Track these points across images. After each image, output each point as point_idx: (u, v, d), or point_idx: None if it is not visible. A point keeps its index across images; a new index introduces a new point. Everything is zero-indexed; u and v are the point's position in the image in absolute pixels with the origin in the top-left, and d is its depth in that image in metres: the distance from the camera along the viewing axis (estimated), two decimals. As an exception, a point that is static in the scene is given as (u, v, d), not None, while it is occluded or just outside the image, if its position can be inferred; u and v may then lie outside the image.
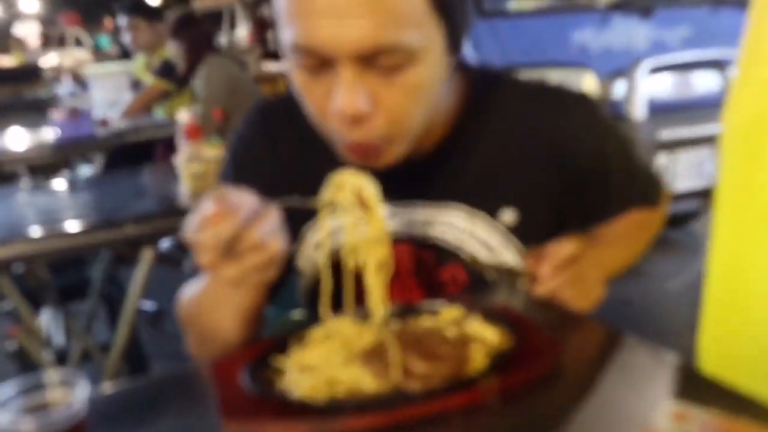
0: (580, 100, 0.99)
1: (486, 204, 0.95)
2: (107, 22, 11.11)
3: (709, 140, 2.90)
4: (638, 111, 2.88)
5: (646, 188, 1.08)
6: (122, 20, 3.92)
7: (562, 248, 0.87)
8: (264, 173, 0.98)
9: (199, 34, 3.57)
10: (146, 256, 1.72)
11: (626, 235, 1.06)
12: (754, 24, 1.48)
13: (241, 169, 1.00)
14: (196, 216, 0.71)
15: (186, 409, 0.75)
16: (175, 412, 0.74)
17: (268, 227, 0.70)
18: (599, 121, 1.00)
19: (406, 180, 0.93)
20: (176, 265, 3.80)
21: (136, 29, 3.88)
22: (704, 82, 3.08)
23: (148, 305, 3.23)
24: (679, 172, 3.00)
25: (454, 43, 0.82)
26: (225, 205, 0.68)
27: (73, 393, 0.62)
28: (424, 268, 0.97)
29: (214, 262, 0.70)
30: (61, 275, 2.35)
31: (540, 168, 0.96)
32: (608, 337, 0.84)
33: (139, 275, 1.74)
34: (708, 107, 2.95)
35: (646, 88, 2.90)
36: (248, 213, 0.68)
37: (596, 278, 0.91)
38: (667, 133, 2.90)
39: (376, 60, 0.75)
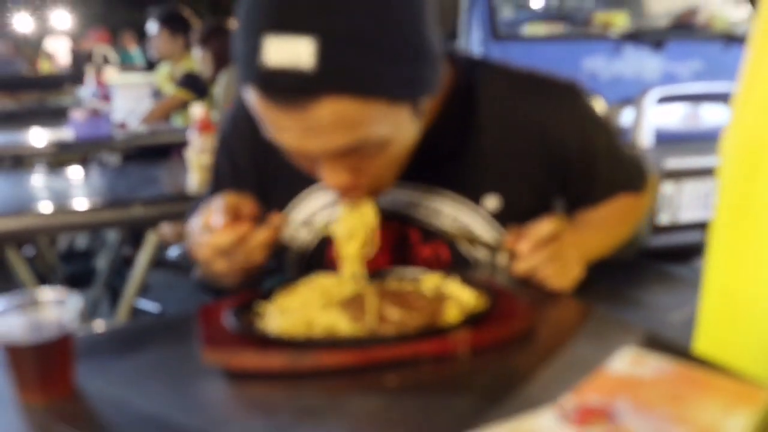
0: (566, 89, 1.01)
1: (470, 190, 0.98)
2: (126, 38, 11.28)
3: (715, 172, 2.92)
4: (645, 139, 2.91)
5: (630, 175, 1.10)
6: (153, 28, 4.02)
7: (542, 227, 0.89)
8: (248, 147, 1.03)
9: (226, 43, 3.67)
10: (151, 239, 1.77)
11: (610, 219, 1.08)
12: (752, 59, 1.53)
13: (227, 144, 1.07)
14: (204, 217, 0.84)
15: (169, 345, 0.78)
16: (159, 347, 0.78)
17: (258, 241, 0.82)
18: (583, 109, 1.02)
19: None
20: (184, 272, 3.85)
21: (159, 39, 3.98)
22: (713, 115, 3.10)
23: (152, 306, 3.26)
24: (684, 202, 3.01)
25: (426, 96, 0.82)
26: (230, 217, 0.81)
27: (64, 308, 0.66)
28: (406, 246, 1.00)
29: (209, 259, 0.84)
30: (70, 264, 2.39)
31: (525, 155, 0.99)
32: (579, 308, 0.87)
33: (143, 258, 1.78)
34: (716, 139, 2.96)
35: (653, 117, 2.93)
36: (244, 229, 0.80)
37: (575, 258, 0.93)
38: (673, 163, 2.92)
39: (350, 152, 0.78)
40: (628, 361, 0.61)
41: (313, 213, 1.01)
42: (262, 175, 1.03)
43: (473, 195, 0.97)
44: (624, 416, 0.51)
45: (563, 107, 1.00)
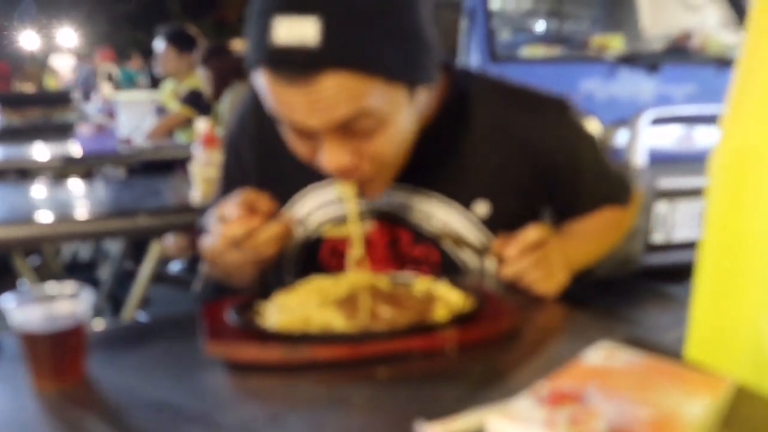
0: (555, 103, 1.07)
1: (461, 196, 1.03)
2: (135, 60, 11.50)
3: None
4: (639, 159, 2.96)
5: (615, 189, 1.15)
6: (160, 46, 4.09)
7: (529, 233, 0.94)
8: (253, 147, 1.10)
9: (227, 63, 3.73)
10: (154, 249, 1.81)
11: (595, 231, 1.13)
12: (738, 82, 1.59)
13: (234, 144, 1.13)
14: (221, 208, 0.90)
15: (174, 340, 0.83)
16: (165, 341, 0.82)
17: (268, 235, 0.87)
18: (571, 123, 1.08)
19: None
20: (185, 286, 3.90)
21: (166, 56, 4.05)
22: (707, 137, 3.15)
23: (153, 319, 3.29)
24: (678, 221, 3.06)
25: (421, 84, 0.88)
26: (245, 211, 0.87)
27: (77, 301, 0.70)
28: (398, 245, 1.05)
29: (222, 249, 0.89)
30: (73, 274, 2.44)
31: (514, 164, 1.04)
32: (563, 310, 0.92)
33: (145, 269, 1.83)
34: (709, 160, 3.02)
35: (647, 138, 2.98)
36: (256, 223, 0.86)
37: (560, 264, 0.97)
38: (667, 183, 2.97)
39: (352, 125, 0.83)
40: (601, 354, 0.66)
41: (308, 212, 1.07)
42: (264, 173, 1.09)
43: (464, 200, 1.02)
44: (593, 399, 0.56)
45: (552, 120, 1.05)
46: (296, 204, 1.07)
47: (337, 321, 0.77)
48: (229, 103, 3.61)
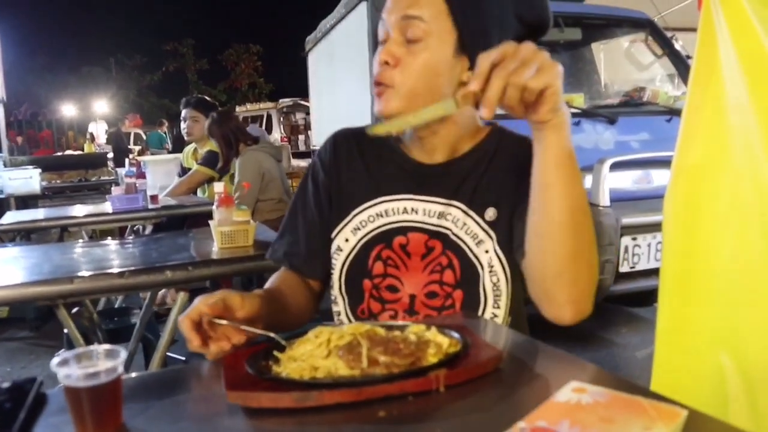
0: None
1: (477, 205, 1.17)
2: (162, 124, 11.75)
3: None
4: (603, 199, 2.99)
5: None
6: (185, 113, 4.11)
7: (486, 55, 0.82)
8: (326, 173, 1.26)
9: (227, 129, 3.67)
10: (181, 299, 1.81)
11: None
12: (683, 131, 1.62)
13: (313, 169, 1.29)
14: (203, 300, 0.93)
15: (198, 388, 0.83)
16: (190, 389, 0.83)
17: (211, 351, 0.91)
18: None
19: (428, 179, 1.19)
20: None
21: (194, 121, 4.06)
22: (660, 178, 3.20)
23: (178, 356, 3.27)
24: (641, 252, 3.08)
25: (464, 48, 1.08)
26: (219, 312, 0.91)
27: (113, 359, 0.71)
28: (431, 255, 1.17)
29: None
30: (108, 320, 2.43)
31: (515, 183, 1.13)
32: (541, 349, 0.92)
33: (173, 314, 1.83)
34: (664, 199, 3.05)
35: (609, 181, 3.02)
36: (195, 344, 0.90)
37: (545, 57, 0.82)
38: (630, 220, 3.00)
39: (405, 28, 1.07)
40: (571, 393, 0.66)
41: (361, 222, 1.20)
42: (331, 193, 1.25)
43: (479, 209, 1.16)
44: (564, 435, 0.57)
45: None
46: (354, 216, 1.21)
47: (340, 368, 0.78)
48: (239, 167, 3.59)
